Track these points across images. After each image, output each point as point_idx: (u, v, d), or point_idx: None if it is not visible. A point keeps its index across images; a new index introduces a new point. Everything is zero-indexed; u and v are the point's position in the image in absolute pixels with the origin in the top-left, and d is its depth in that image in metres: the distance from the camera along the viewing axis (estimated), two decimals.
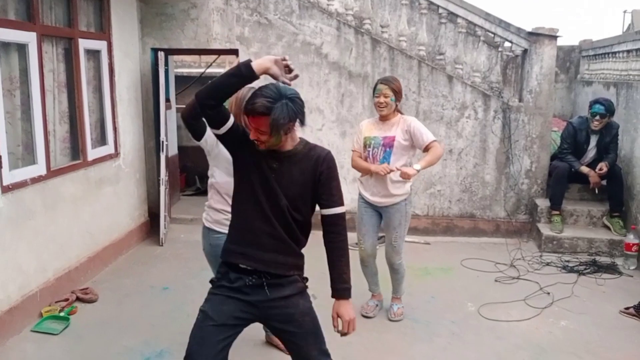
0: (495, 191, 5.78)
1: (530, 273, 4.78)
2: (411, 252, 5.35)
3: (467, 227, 5.82)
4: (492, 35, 5.84)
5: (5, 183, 3.54)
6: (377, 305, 4.02)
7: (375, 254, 3.91)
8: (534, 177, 5.74)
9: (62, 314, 3.88)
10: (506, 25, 5.65)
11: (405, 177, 3.49)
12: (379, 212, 3.79)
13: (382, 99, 3.59)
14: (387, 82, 3.62)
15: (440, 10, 5.72)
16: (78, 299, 4.13)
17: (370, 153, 3.69)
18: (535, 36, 5.57)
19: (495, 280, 4.64)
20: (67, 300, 4.03)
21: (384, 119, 3.68)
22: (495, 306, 4.13)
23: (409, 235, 5.68)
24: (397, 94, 3.61)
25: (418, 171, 3.51)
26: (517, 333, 3.75)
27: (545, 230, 5.38)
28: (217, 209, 2.85)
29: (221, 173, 2.82)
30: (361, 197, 3.83)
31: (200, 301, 2.27)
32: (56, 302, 4.00)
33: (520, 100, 5.75)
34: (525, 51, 5.70)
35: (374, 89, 3.67)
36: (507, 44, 5.92)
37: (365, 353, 3.49)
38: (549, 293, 4.35)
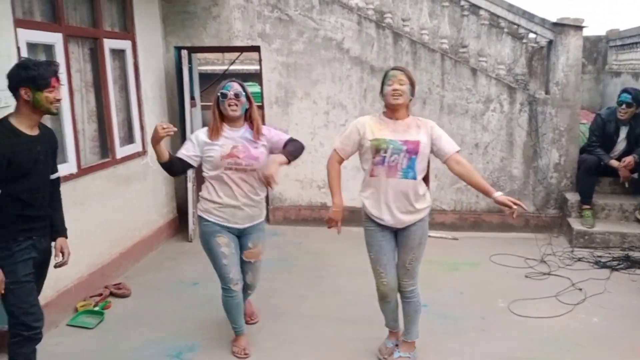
0: (523, 185, 5.69)
1: (561, 269, 4.69)
2: (439, 247, 5.31)
3: (496, 222, 5.73)
4: (516, 27, 5.74)
5: None
6: (396, 345, 3.39)
7: (397, 286, 3.19)
8: (563, 171, 5.63)
9: (96, 308, 3.96)
10: (530, 16, 5.55)
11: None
12: (395, 232, 3.11)
13: (397, 85, 2.92)
14: (402, 69, 3.04)
15: (462, 3, 5.65)
16: (112, 293, 4.21)
17: (387, 160, 2.95)
18: (560, 27, 5.45)
19: (526, 276, 4.57)
20: (100, 295, 4.12)
21: (394, 116, 3.01)
22: (525, 302, 4.07)
23: (436, 231, 5.68)
24: (412, 85, 3.00)
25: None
26: (547, 329, 3.69)
27: (576, 225, 5.27)
28: (207, 199, 3.27)
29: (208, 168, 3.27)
30: (370, 219, 3.10)
31: None
32: (90, 297, 4.08)
33: (547, 92, 5.64)
34: (550, 42, 5.59)
35: (385, 77, 3.00)
36: (531, 35, 5.82)
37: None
38: (581, 289, 4.26)
